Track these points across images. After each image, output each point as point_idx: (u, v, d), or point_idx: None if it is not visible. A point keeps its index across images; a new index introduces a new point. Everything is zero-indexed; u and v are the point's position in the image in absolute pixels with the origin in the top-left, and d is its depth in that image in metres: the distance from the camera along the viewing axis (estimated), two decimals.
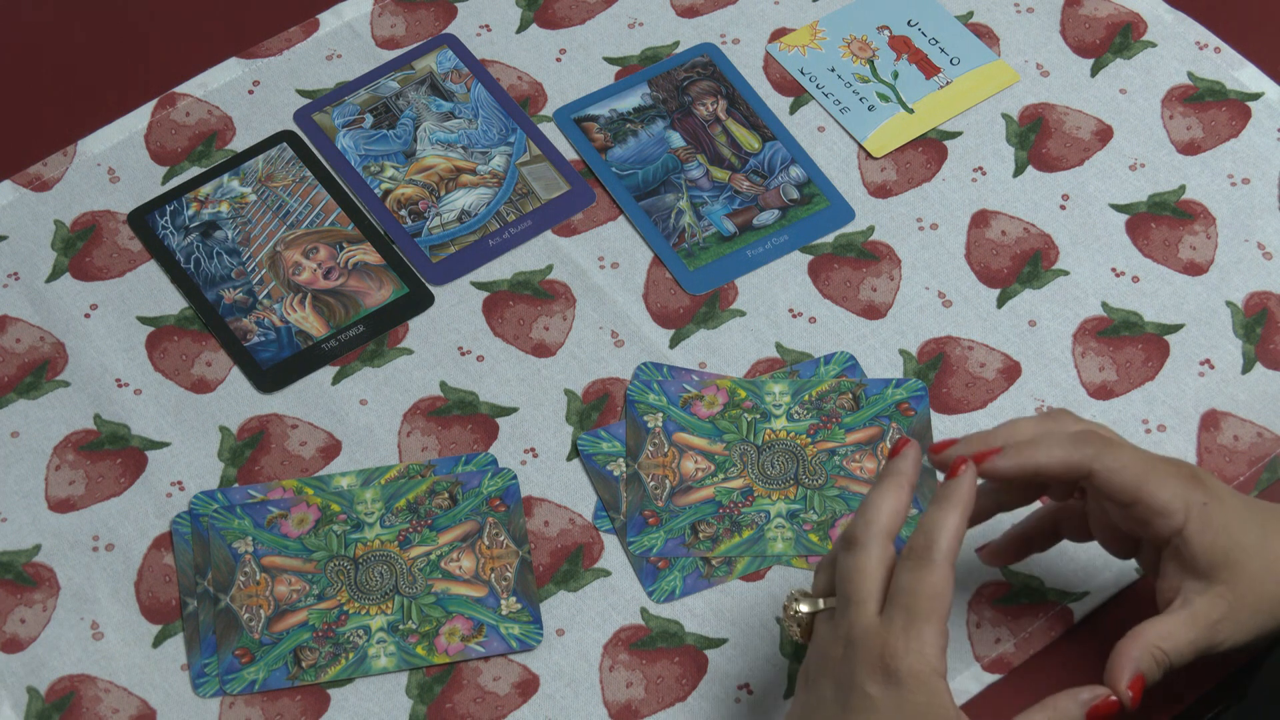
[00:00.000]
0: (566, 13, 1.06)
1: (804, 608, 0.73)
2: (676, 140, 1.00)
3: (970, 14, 1.05)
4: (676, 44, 1.04)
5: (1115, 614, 0.84)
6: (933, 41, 1.04)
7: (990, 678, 0.83)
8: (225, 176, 0.99)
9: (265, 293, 0.95)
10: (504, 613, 0.84)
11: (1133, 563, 0.85)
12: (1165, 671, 0.74)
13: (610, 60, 1.04)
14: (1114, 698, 0.72)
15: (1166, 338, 0.93)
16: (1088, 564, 0.85)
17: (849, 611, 0.71)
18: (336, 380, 0.92)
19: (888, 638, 0.69)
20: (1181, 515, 0.73)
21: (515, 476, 0.88)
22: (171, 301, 0.95)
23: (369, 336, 0.93)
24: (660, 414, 0.90)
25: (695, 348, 0.93)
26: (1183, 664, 0.74)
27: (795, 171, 0.99)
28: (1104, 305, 0.94)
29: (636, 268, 0.96)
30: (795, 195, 0.98)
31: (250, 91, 1.03)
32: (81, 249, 0.96)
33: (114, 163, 1.00)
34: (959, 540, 0.71)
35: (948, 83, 1.02)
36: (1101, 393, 0.91)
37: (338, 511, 0.87)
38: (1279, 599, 0.74)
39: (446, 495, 0.88)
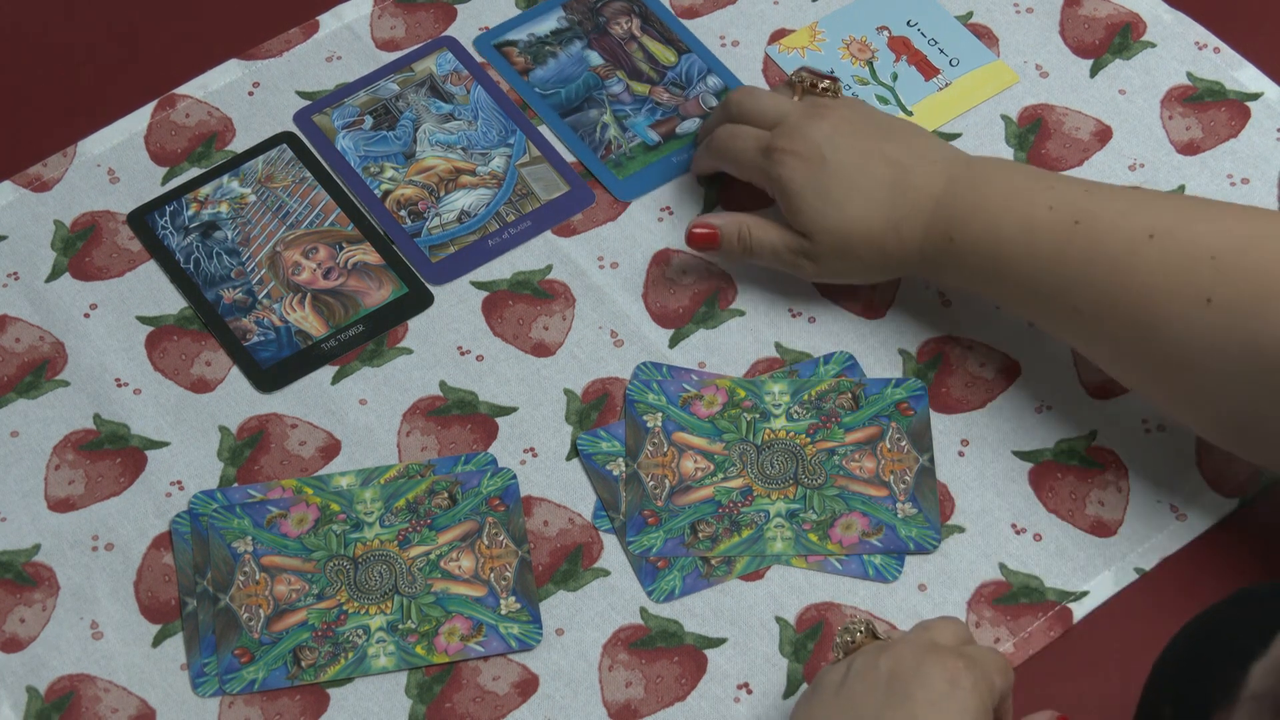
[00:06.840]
0: None
1: (864, 635, 0.77)
2: (595, 59, 1.03)
3: (970, 14, 1.05)
4: None
5: (1115, 614, 0.84)
6: (932, 42, 1.04)
7: None
8: (225, 177, 0.99)
9: (265, 293, 0.95)
10: (503, 612, 0.84)
11: (1133, 562, 0.85)
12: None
13: None
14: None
15: None
16: (1087, 563, 0.85)
17: (929, 630, 0.76)
18: (336, 380, 0.92)
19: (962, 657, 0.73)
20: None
21: (515, 476, 0.88)
22: (171, 301, 0.95)
23: (369, 336, 0.93)
24: (660, 414, 0.90)
25: (695, 347, 0.93)
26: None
27: (712, 80, 1.02)
28: None
29: (636, 268, 0.96)
30: (714, 103, 1.01)
31: (250, 93, 1.03)
32: (81, 249, 0.96)
33: (114, 163, 1.00)
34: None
35: (947, 84, 1.02)
36: (1101, 392, 0.91)
37: (337, 511, 0.87)
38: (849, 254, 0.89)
39: (446, 495, 0.87)
